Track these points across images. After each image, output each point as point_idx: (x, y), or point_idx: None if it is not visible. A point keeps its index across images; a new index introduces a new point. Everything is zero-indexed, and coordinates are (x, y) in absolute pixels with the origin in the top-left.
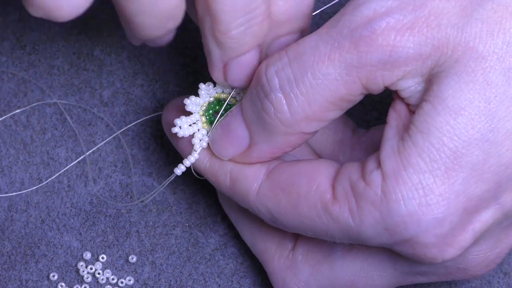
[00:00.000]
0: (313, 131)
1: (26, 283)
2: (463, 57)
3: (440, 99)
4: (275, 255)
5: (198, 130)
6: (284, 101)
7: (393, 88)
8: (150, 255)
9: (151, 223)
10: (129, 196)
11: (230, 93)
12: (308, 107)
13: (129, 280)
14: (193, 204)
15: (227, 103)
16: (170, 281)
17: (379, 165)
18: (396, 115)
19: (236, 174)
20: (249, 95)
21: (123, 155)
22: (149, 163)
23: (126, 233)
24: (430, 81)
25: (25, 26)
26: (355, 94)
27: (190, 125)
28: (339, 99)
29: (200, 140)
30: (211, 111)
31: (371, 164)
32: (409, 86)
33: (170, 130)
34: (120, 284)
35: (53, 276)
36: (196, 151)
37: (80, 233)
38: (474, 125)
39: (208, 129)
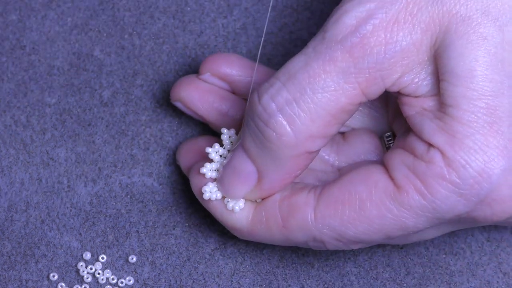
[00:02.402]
0: (318, 150)
1: (26, 283)
2: (451, 26)
3: (450, 72)
4: None
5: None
6: (286, 123)
7: (394, 89)
8: (150, 255)
9: (151, 223)
10: (129, 196)
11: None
12: (312, 124)
13: (129, 280)
14: (193, 204)
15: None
16: (170, 281)
17: (429, 144)
18: (410, 107)
19: (286, 207)
20: (246, 129)
21: (123, 155)
22: (149, 163)
23: (126, 233)
24: (434, 61)
25: (25, 26)
26: (354, 103)
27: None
28: (340, 111)
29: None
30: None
31: (419, 146)
32: (412, 80)
33: (197, 185)
34: (120, 284)
35: (53, 276)
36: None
37: (80, 233)
38: (491, 78)
39: None
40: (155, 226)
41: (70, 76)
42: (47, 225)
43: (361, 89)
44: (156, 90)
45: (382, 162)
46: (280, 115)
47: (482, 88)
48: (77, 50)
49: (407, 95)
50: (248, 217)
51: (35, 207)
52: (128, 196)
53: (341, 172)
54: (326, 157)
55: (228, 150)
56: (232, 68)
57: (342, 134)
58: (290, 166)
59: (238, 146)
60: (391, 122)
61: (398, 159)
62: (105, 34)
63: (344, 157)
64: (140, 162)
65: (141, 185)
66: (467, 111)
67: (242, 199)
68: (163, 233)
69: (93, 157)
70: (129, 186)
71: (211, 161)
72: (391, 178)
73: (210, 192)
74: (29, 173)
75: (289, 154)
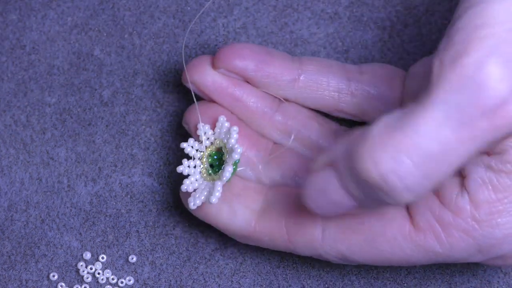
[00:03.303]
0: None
1: (26, 283)
2: None
3: None
4: None
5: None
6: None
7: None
8: (150, 255)
9: (151, 223)
10: (129, 196)
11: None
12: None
13: (129, 280)
14: None
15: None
16: (170, 281)
17: (462, 193)
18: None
19: (293, 224)
20: (349, 176)
21: (123, 155)
22: (149, 163)
23: (126, 233)
24: None
25: (25, 26)
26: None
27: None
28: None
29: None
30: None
31: (448, 192)
32: None
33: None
34: (120, 284)
35: (53, 276)
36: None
37: (80, 233)
38: None
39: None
40: (155, 226)
41: (70, 76)
42: (47, 224)
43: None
44: (156, 90)
45: None
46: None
47: None
48: (77, 49)
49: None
50: (250, 224)
51: (35, 207)
52: (128, 196)
53: None
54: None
55: (206, 147)
56: (246, 62)
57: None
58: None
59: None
60: None
61: (423, 201)
62: (105, 34)
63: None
64: (140, 162)
65: (141, 185)
66: None
67: (218, 192)
68: (163, 233)
69: (93, 156)
70: (129, 186)
71: (188, 157)
72: (410, 215)
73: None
74: (29, 173)
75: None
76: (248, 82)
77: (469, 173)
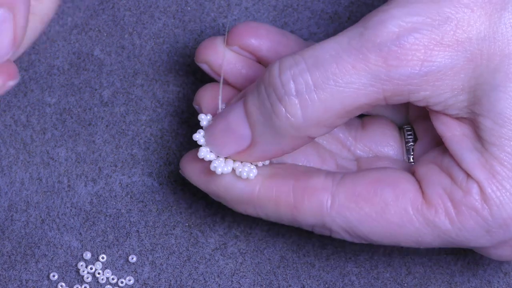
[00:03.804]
0: (319, 136)
1: (26, 283)
2: (502, 66)
3: (496, 113)
4: None
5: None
6: (299, 106)
7: (421, 103)
8: (150, 255)
9: (151, 223)
10: (129, 196)
11: None
12: (324, 113)
13: (129, 280)
14: (193, 204)
15: None
16: (170, 281)
17: (467, 175)
18: (445, 127)
19: (301, 189)
20: (256, 95)
21: (123, 155)
22: (149, 163)
23: (126, 233)
24: (473, 93)
25: None
26: (372, 104)
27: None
28: (355, 108)
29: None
30: None
31: (458, 174)
32: (441, 101)
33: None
34: (120, 284)
35: (53, 276)
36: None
37: (80, 233)
38: None
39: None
40: (155, 226)
41: (70, 76)
42: (47, 224)
43: (384, 95)
44: (156, 90)
45: (411, 172)
46: (296, 97)
47: None
48: (77, 49)
49: (438, 112)
50: (254, 188)
51: (35, 207)
52: (128, 196)
53: (361, 165)
54: (344, 140)
55: None
56: (261, 41)
57: (361, 120)
58: (286, 143)
59: (238, 103)
60: (412, 120)
61: (435, 178)
62: (105, 34)
63: (361, 145)
64: (140, 162)
65: (141, 185)
66: (509, 154)
67: (253, 166)
68: (163, 233)
69: (93, 156)
70: (129, 185)
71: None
72: (422, 191)
73: (216, 166)
74: (29, 173)
75: (290, 134)
76: (260, 63)
77: (460, 154)
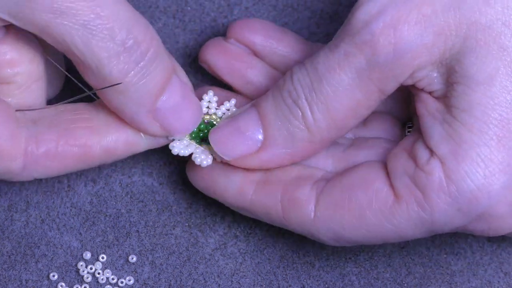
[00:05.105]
0: (332, 140)
1: (26, 283)
2: (470, 33)
3: (468, 77)
4: None
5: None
6: (308, 108)
7: (409, 82)
8: (150, 255)
9: (151, 223)
10: (129, 195)
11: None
12: (328, 114)
13: (129, 280)
14: (193, 204)
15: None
16: (170, 281)
17: (431, 153)
18: (422, 104)
19: (288, 201)
20: (272, 99)
21: None
22: (149, 163)
23: (126, 233)
24: (449, 64)
25: None
26: (371, 98)
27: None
28: (356, 105)
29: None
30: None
31: (422, 154)
32: (424, 76)
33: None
34: (120, 284)
35: (53, 276)
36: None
37: (80, 233)
38: (509, 89)
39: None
40: (155, 226)
41: (71, 76)
42: (47, 224)
43: (375, 85)
44: None
45: (384, 164)
46: (305, 99)
47: (499, 97)
48: None
49: (421, 90)
50: (246, 198)
51: (35, 207)
52: (128, 196)
53: (346, 165)
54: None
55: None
56: (255, 35)
57: None
58: (299, 148)
59: (249, 109)
60: (413, 112)
61: (401, 167)
62: None
63: (362, 139)
64: (140, 161)
65: (141, 185)
66: (478, 119)
67: (210, 156)
68: (163, 233)
69: None
70: (129, 185)
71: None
72: (392, 186)
73: (174, 146)
74: None
75: (305, 137)
76: (256, 54)
77: (429, 131)
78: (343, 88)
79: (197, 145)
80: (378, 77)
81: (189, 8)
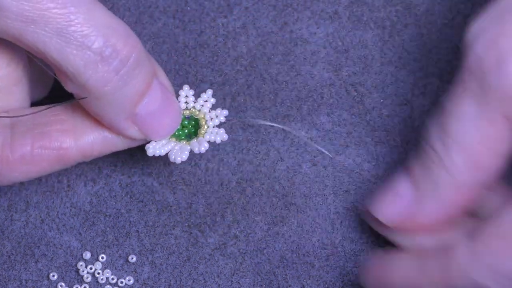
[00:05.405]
0: (478, 184)
1: (26, 283)
2: None
3: None
4: None
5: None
6: (443, 149)
7: None
8: (150, 255)
9: (150, 223)
10: (129, 195)
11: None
12: (464, 153)
13: (129, 280)
14: (193, 204)
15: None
16: (170, 281)
17: None
18: None
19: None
20: (417, 155)
21: (123, 155)
22: (149, 163)
23: (125, 233)
24: None
25: None
26: (500, 128)
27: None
28: (487, 137)
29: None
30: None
31: None
32: None
33: None
34: (120, 284)
35: (53, 276)
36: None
37: (80, 233)
38: None
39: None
40: (155, 226)
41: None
42: (47, 224)
43: (497, 111)
44: None
45: None
46: (439, 141)
47: None
48: None
49: None
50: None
51: (35, 207)
52: (128, 196)
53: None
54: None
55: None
56: None
57: None
58: (448, 198)
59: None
60: None
61: None
62: None
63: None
64: (140, 161)
65: (141, 185)
66: None
67: (186, 152)
68: (163, 233)
69: None
70: (129, 185)
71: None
72: None
73: (149, 147)
74: None
75: (446, 182)
76: None
77: None
78: (469, 121)
79: (177, 142)
80: (496, 101)
81: (189, 8)
